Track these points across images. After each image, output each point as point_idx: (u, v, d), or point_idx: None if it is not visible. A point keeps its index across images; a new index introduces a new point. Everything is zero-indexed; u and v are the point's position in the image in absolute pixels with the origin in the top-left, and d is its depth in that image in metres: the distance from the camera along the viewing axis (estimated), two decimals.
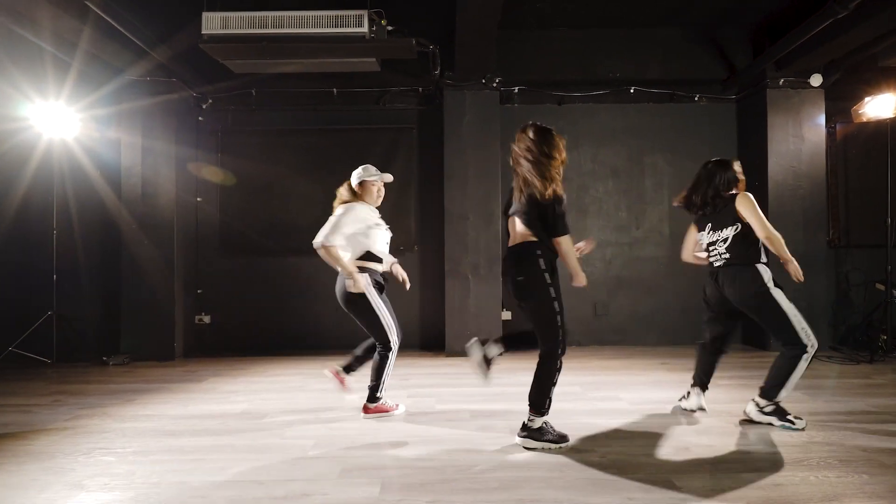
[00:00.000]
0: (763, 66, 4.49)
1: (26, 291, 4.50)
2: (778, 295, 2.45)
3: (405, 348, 4.92)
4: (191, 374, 3.92)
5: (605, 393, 3.22)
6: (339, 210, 2.66)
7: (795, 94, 4.57)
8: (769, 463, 2.10)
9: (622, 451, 2.22)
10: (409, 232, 4.83)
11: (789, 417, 2.47)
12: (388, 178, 2.84)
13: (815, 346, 2.42)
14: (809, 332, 2.43)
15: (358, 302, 2.59)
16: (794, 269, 2.50)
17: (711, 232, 2.61)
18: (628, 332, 4.88)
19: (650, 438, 2.38)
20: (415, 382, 3.57)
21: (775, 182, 4.56)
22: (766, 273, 2.48)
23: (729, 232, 2.53)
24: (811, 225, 4.56)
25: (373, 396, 2.68)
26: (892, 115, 4.20)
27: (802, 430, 2.42)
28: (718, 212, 2.57)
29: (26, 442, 2.42)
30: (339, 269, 2.59)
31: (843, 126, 4.82)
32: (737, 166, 2.64)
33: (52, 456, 2.24)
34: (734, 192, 2.58)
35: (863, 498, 1.78)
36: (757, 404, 2.53)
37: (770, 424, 2.48)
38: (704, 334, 2.76)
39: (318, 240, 2.54)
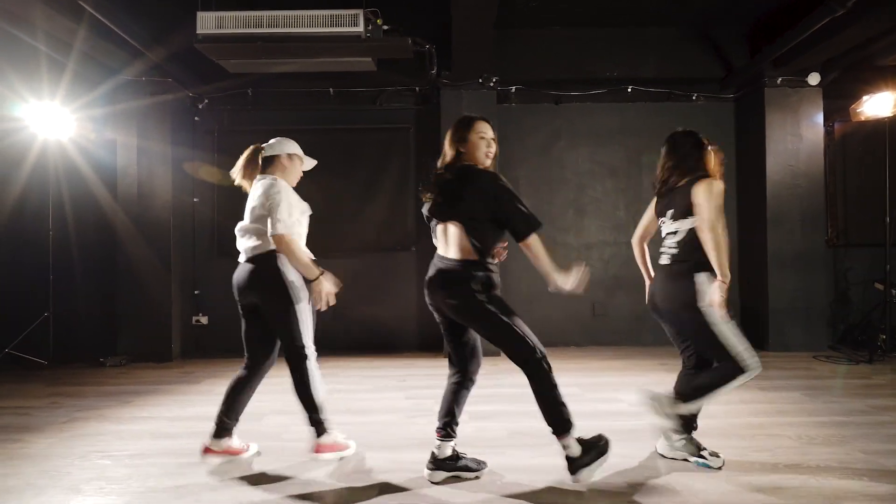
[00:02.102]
0: (761, 65, 4.48)
1: (22, 293, 4.47)
2: (711, 314, 1.94)
3: (403, 348, 4.96)
4: (188, 375, 3.90)
5: (604, 394, 3.22)
6: (271, 187, 2.14)
7: (793, 92, 4.56)
8: (768, 465, 2.09)
9: (625, 455, 2.20)
10: (406, 232, 4.81)
11: (703, 453, 2.06)
12: (312, 163, 2.40)
13: (756, 369, 1.92)
14: (750, 354, 1.93)
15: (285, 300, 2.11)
16: (722, 290, 1.92)
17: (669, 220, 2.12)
18: (626, 332, 4.87)
19: (646, 442, 2.38)
20: (412, 384, 3.56)
21: (773, 181, 4.56)
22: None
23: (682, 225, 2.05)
24: (809, 224, 4.56)
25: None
26: (890, 114, 4.20)
27: (719, 468, 2.02)
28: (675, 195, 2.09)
29: (22, 445, 2.41)
30: (296, 264, 2.09)
31: (841, 124, 4.82)
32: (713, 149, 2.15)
33: (48, 458, 2.23)
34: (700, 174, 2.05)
35: (864, 501, 1.78)
36: (667, 438, 2.13)
37: (685, 460, 2.10)
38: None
39: (278, 229, 2.04)
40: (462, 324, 1.98)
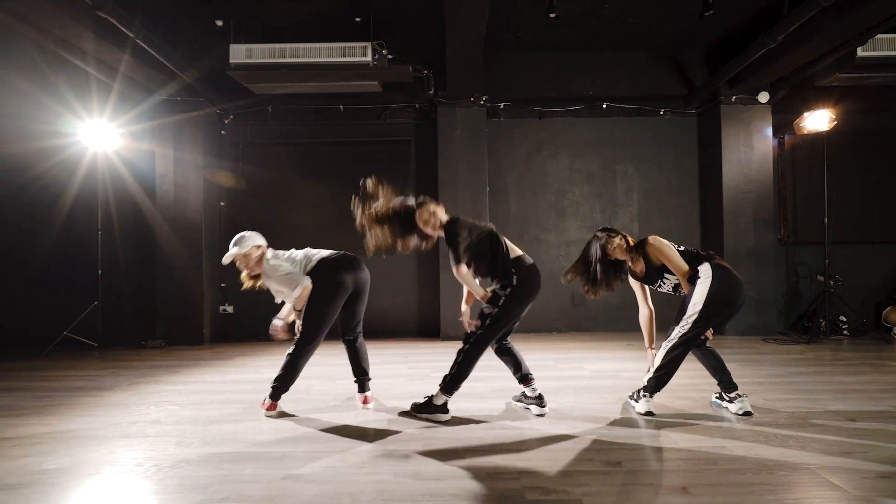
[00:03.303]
0: (717, 85, 5.12)
1: (76, 284, 5.13)
2: None
3: (404, 334, 5.58)
4: (220, 354, 4.54)
5: (571, 365, 3.84)
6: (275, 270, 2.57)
7: (746, 109, 5.20)
8: (687, 412, 2.71)
9: (577, 403, 2.83)
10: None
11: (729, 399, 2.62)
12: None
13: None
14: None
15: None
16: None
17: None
18: (602, 320, 5.50)
19: (598, 393, 3.00)
20: (413, 359, 4.19)
21: (729, 187, 5.19)
22: None
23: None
24: (760, 224, 5.18)
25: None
26: (826, 129, 4.84)
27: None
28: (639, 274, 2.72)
29: (102, 398, 3.04)
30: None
31: (791, 136, 5.45)
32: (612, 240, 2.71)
33: (127, 406, 2.86)
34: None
35: (754, 432, 2.40)
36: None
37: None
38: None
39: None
40: None
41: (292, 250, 2.80)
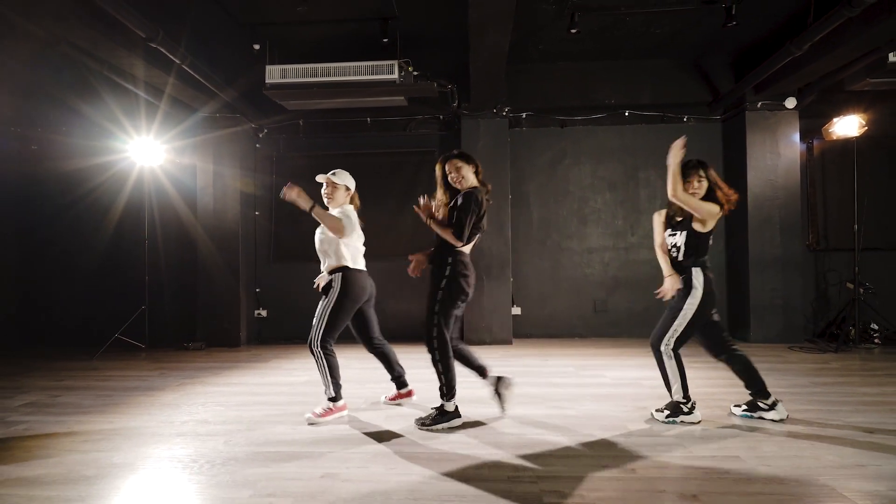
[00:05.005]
0: (743, 91, 5.10)
1: (124, 290, 5.52)
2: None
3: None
4: (256, 356, 4.82)
5: (593, 372, 3.94)
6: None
7: (772, 115, 5.16)
8: (706, 418, 2.79)
9: (596, 410, 2.94)
10: (432, 240, 5.62)
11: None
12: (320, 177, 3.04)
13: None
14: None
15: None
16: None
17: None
18: (624, 326, 5.55)
19: (618, 401, 3.10)
20: None
21: (754, 193, 5.16)
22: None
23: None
24: (787, 231, 5.13)
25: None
26: (856, 134, 4.76)
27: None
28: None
29: (155, 397, 3.33)
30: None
31: (819, 142, 5.37)
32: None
33: (178, 406, 3.13)
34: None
35: (772, 435, 2.47)
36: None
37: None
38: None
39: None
40: None
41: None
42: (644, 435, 2.50)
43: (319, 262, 2.96)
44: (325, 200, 2.99)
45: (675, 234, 2.72)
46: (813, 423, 2.61)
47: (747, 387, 2.70)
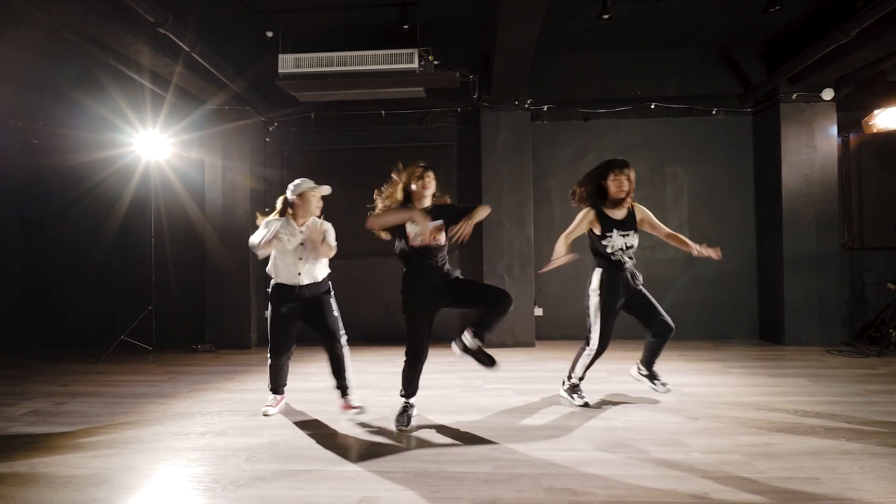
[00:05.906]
0: (777, 82, 4.86)
1: (131, 290, 5.31)
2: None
3: (449, 340, 5.53)
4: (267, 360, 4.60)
5: (627, 377, 3.72)
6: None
7: (808, 107, 4.92)
8: (764, 429, 2.57)
9: (641, 419, 2.73)
10: (450, 235, 5.40)
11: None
12: (326, 189, 3.15)
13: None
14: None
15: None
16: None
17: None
18: None
19: (665, 412, 2.88)
20: (462, 367, 4.14)
21: (789, 189, 4.93)
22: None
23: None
24: (824, 229, 4.90)
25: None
26: None
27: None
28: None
29: (168, 406, 3.12)
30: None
31: (856, 135, 5.13)
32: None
33: (192, 415, 2.92)
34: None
35: (838, 454, 2.25)
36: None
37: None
38: None
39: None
40: None
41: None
42: (706, 451, 2.28)
43: (330, 259, 3.27)
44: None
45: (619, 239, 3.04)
46: (874, 435, 2.39)
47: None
